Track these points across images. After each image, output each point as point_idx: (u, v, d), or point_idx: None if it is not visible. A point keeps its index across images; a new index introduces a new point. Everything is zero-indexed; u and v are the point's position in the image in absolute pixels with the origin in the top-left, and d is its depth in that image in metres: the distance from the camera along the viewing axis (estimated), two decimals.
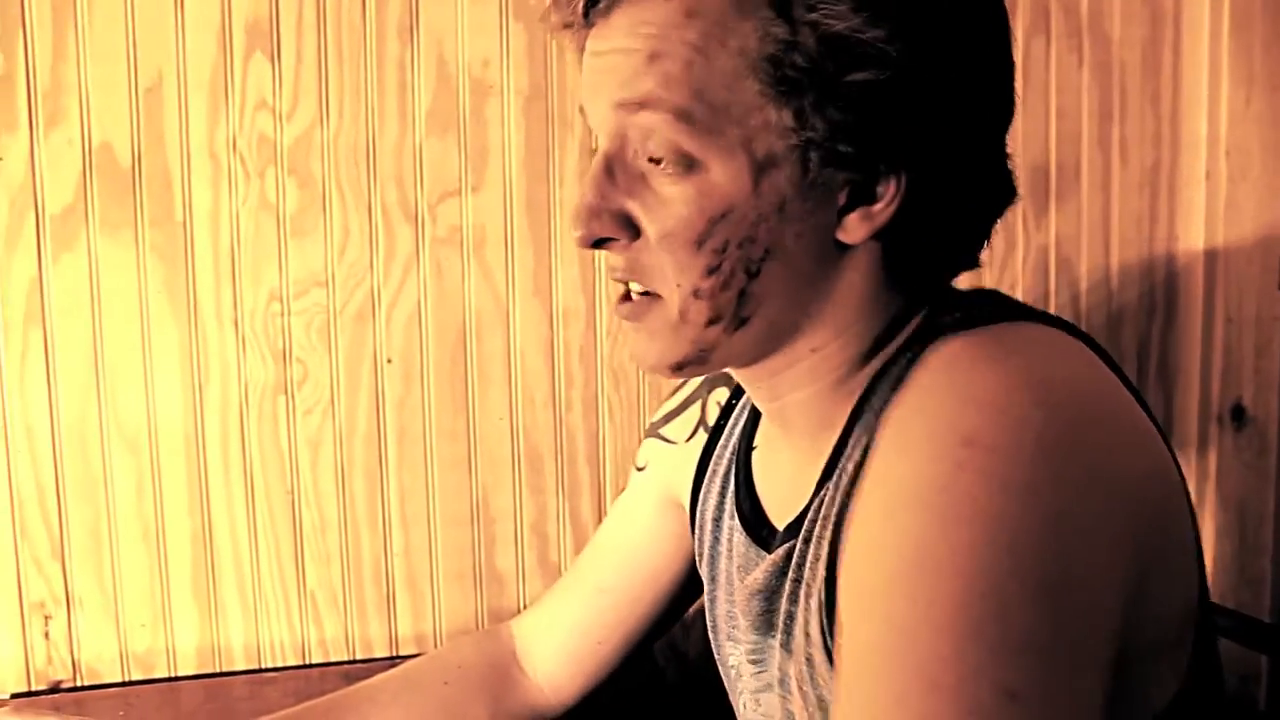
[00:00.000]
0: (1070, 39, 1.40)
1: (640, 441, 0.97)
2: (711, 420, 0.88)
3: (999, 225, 0.70)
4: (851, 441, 0.66)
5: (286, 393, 1.24)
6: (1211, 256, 1.44)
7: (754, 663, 0.76)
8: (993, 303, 0.67)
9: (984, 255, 0.70)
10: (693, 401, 0.91)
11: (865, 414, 0.66)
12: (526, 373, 1.29)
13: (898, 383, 0.62)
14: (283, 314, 1.23)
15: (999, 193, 0.68)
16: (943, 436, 0.54)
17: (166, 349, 1.21)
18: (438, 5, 1.24)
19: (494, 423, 1.29)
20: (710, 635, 0.85)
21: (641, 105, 0.63)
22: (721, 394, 0.89)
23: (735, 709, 0.83)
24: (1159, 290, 1.46)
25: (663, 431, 0.92)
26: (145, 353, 1.21)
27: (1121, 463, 0.56)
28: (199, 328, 1.21)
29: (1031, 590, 0.50)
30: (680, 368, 0.68)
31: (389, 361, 1.26)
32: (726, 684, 0.84)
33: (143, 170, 1.19)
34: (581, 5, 0.64)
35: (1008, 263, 1.41)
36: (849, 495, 0.63)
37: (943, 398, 0.57)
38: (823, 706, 0.67)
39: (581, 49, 0.67)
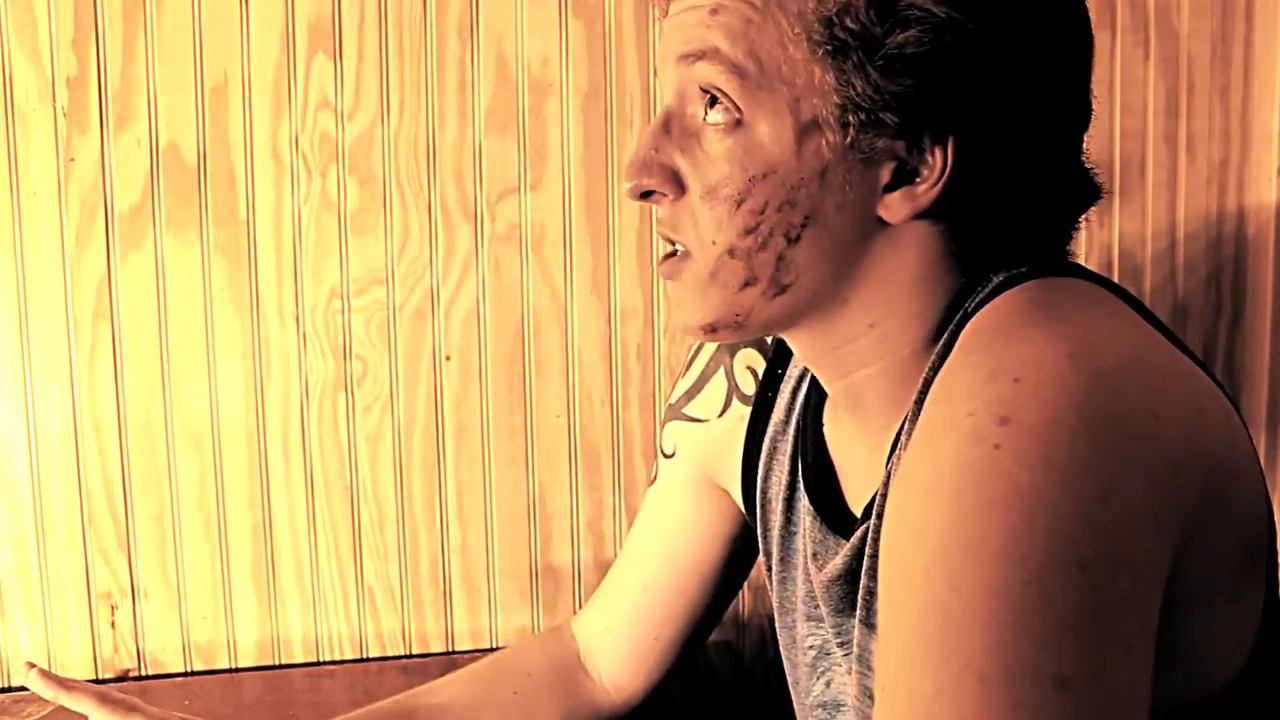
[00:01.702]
0: (1136, 33, 1.38)
1: None
2: (749, 389, 0.85)
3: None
4: (911, 415, 0.65)
5: (346, 389, 1.26)
6: None
7: (842, 645, 0.75)
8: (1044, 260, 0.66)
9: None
10: (713, 372, 0.88)
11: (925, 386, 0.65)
12: (584, 370, 1.30)
13: (947, 351, 0.61)
14: (343, 311, 1.25)
15: (1072, 187, 0.67)
16: (979, 415, 0.52)
17: (229, 345, 1.23)
18: (497, 4, 1.24)
19: (551, 420, 1.29)
20: (777, 615, 0.83)
21: (700, 57, 0.64)
22: (752, 358, 0.86)
23: (796, 691, 0.82)
24: (1226, 290, 1.43)
25: (686, 411, 0.90)
26: (209, 349, 1.22)
27: (1170, 430, 0.54)
28: (261, 324, 1.23)
29: (1074, 573, 0.49)
30: (714, 330, 0.68)
31: (447, 359, 1.27)
32: (790, 665, 0.82)
33: (208, 170, 1.21)
34: None
35: None
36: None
37: (977, 372, 0.55)
38: None
39: (664, 15, 0.69)
